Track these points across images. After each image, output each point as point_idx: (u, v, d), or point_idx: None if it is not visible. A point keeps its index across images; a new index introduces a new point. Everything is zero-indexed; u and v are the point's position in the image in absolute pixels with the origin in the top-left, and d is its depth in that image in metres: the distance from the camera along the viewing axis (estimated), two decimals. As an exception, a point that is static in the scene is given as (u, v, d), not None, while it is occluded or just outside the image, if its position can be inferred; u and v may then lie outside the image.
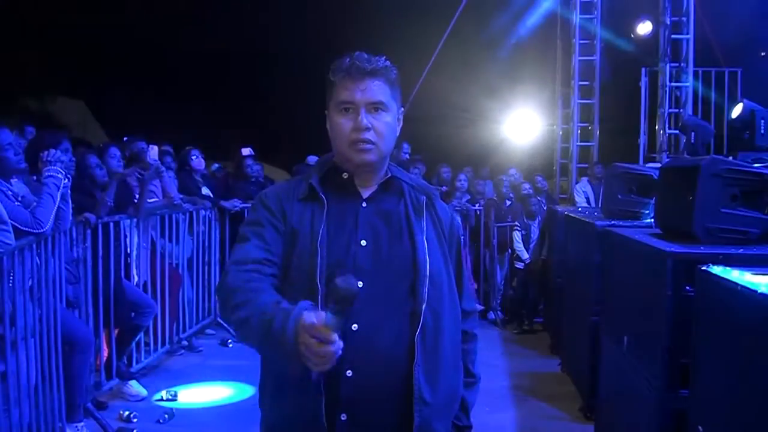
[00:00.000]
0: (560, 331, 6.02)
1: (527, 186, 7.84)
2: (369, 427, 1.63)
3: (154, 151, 5.68)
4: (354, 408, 1.61)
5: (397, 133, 1.79)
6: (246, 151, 7.42)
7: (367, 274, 1.65)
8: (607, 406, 3.91)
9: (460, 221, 7.33)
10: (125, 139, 6.52)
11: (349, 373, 1.60)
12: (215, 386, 5.20)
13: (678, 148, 8.67)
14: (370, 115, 1.69)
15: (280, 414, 1.71)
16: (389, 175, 1.79)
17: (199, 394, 5.03)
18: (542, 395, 5.07)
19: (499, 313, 7.53)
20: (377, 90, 1.69)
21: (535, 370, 5.78)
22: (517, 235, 7.32)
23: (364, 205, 1.75)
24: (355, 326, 1.61)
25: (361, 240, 1.69)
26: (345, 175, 1.77)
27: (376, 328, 1.63)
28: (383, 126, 1.71)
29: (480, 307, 7.10)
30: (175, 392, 4.90)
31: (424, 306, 1.65)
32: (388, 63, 1.73)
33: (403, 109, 1.82)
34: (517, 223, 7.36)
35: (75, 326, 4.10)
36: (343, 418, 1.61)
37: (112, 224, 4.73)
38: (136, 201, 5.19)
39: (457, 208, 7.38)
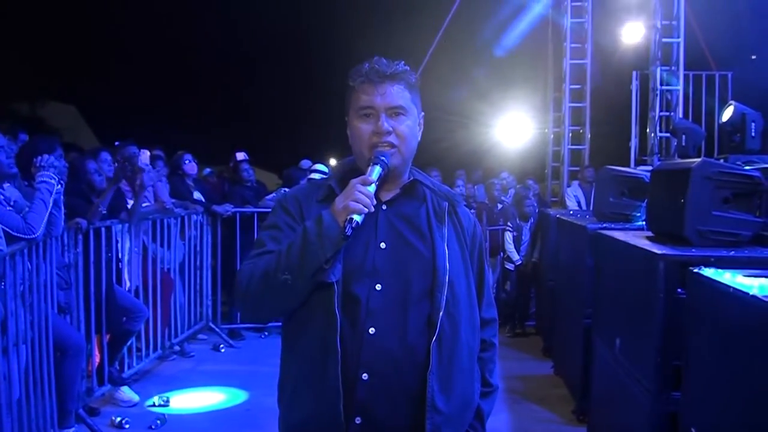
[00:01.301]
0: (553, 334, 6.03)
1: (521, 188, 7.86)
2: (382, 431, 1.62)
3: (145, 155, 5.67)
4: (368, 411, 1.60)
5: (419, 138, 1.77)
6: (240, 155, 7.43)
7: (385, 277, 1.64)
8: (599, 409, 3.92)
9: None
10: (116, 143, 6.50)
11: (365, 376, 1.59)
12: (207, 391, 5.18)
13: (669, 151, 8.70)
14: (391, 119, 1.67)
15: (299, 415, 1.70)
16: (411, 179, 1.78)
17: (191, 400, 5.00)
18: (535, 398, 5.08)
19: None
20: (397, 94, 1.68)
21: (527, 373, 5.78)
22: (508, 236, 7.31)
23: (384, 207, 1.73)
24: (372, 330, 1.61)
25: (380, 243, 1.68)
26: None
27: (393, 333, 1.61)
28: (404, 129, 1.69)
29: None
30: (168, 398, 4.87)
31: (441, 313, 1.63)
32: (407, 67, 1.71)
33: (423, 113, 1.80)
34: (509, 224, 7.36)
35: (66, 332, 4.08)
36: (357, 421, 1.60)
37: (103, 229, 4.71)
38: (129, 207, 5.16)
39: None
